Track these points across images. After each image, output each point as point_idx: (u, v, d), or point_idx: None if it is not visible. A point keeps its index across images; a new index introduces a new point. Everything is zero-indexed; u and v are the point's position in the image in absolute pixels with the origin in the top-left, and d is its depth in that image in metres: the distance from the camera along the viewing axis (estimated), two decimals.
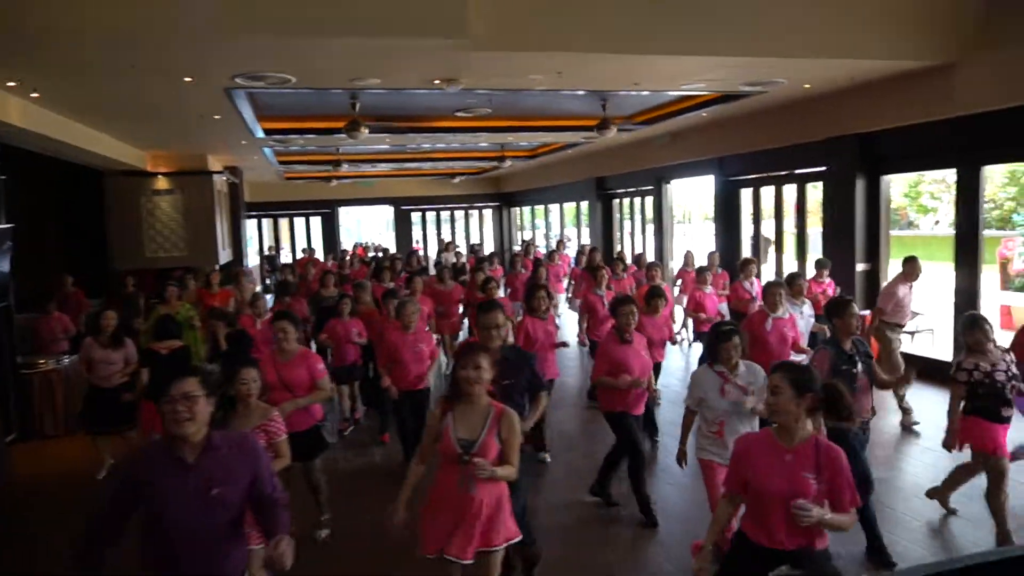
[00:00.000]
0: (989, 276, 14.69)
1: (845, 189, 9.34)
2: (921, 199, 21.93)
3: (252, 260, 22.67)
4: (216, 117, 8.73)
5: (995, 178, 19.15)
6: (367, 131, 8.82)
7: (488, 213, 24.98)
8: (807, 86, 8.53)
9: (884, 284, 9.28)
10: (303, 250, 20.98)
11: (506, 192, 23.68)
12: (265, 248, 22.28)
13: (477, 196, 24.22)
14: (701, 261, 10.19)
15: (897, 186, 23.99)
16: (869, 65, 7.62)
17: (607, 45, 6.46)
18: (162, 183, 12.79)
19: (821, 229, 10.14)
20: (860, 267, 9.32)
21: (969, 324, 4.49)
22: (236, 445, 2.52)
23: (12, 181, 8.37)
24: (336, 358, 7.23)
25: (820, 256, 8.95)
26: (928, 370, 7.36)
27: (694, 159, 12.62)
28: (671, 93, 9.09)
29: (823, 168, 9.81)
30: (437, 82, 7.13)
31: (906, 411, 6.88)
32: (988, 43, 7.13)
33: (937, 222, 21.13)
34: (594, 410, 6.86)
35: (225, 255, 14.29)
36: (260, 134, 10.32)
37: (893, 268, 9.54)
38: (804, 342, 6.19)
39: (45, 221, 12.37)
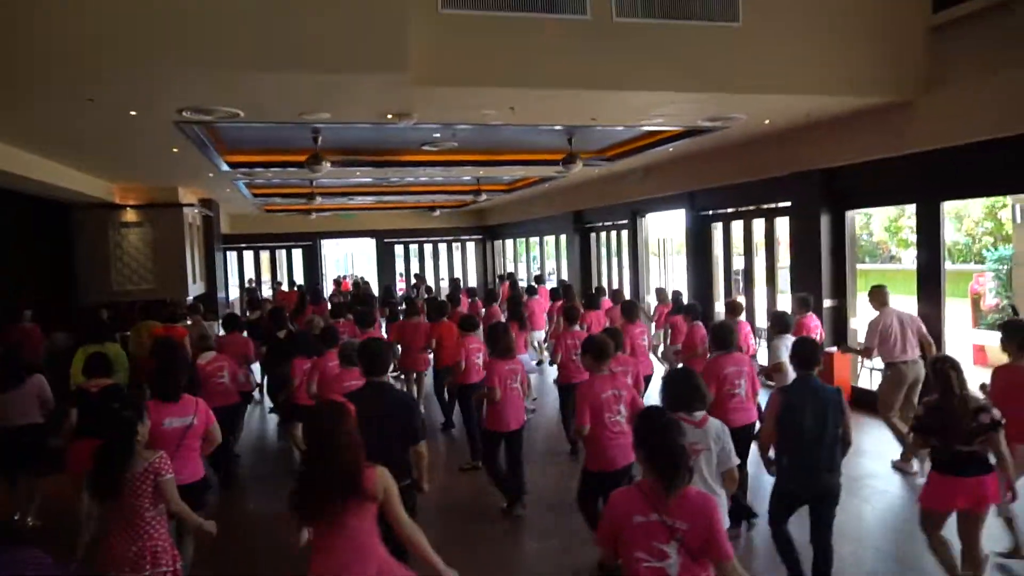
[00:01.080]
0: (960, 312, 14.68)
1: (810, 224, 9.29)
2: (902, 233, 21.99)
3: (233, 293, 22.61)
4: (174, 150, 8.66)
5: (973, 213, 19.25)
6: (328, 165, 8.77)
7: (471, 246, 24.95)
8: (767, 121, 8.53)
9: (851, 319, 9.24)
10: (274, 283, 20.87)
11: (489, 225, 23.68)
12: (246, 281, 22.10)
13: (462, 229, 24.22)
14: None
15: (878, 220, 24.10)
16: (826, 101, 7.63)
17: (560, 80, 6.43)
18: (131, 215, 12.69)
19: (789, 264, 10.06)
20: (827, 303, 9.23)
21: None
22: None
23: None
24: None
25: (791, 291, 8.83)
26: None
27: (666, 193, 12.61)
28: (642, 128, 9.08)
29: (788, 203, 9.78)
30: (390, 116, 7.09)
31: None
32: (941, 80, 7.15)
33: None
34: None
35: (197, 288, 14.14)
36: (225, 168, 10.27)
37: (861, 303, 9.48)
38: None
39: (10, 255, 12.27)
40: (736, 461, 3.66)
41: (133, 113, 6.50)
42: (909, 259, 21.95)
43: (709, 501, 2.76)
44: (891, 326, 6.67)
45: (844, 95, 7.40)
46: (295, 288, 18.26)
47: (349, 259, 27.57)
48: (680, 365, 6.21)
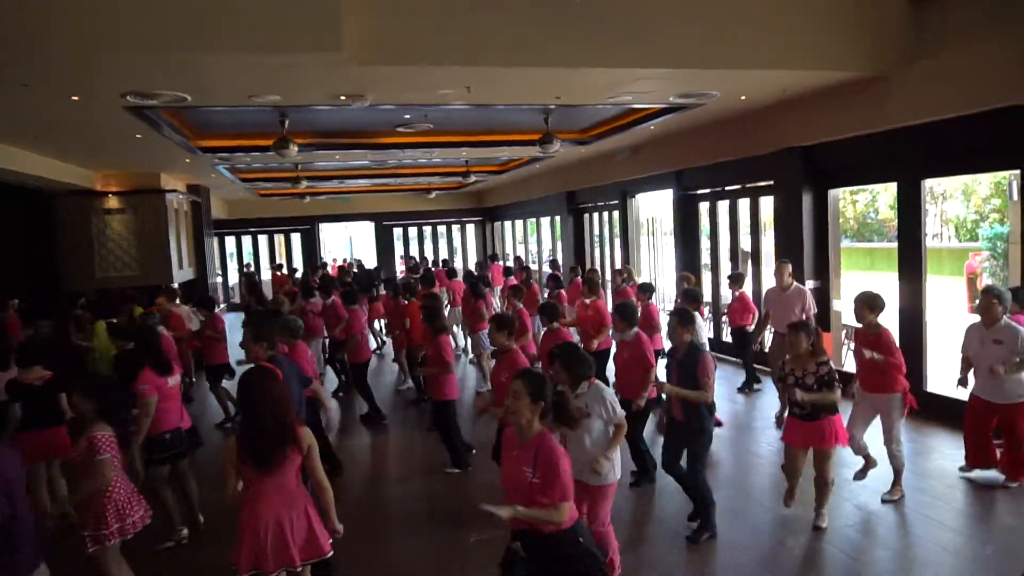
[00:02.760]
0: (957, 291, 14.26)
1: (791, 203, 8.99)
2: None
3: (232, 278, 22.66)
4: (138, 136, 8.52)
5: (981, 190, 18.67)
6: (295, 149, 8.54)
7: (471, 228, 24.75)
8: (743, 98, 8.22)
9: (834, 301, 8.97)
10: (273, 267, 20.85)
11: (488, 207, 23.45)
12: (243, 266, 22.10)
13: (461, 211, 24.02)
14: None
15: (885, 199, 23.54)
16: (802, 76, 7.31)
17: (515, 59, 6.18)
18: (113, 202, 12.63)
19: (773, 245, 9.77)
20: (809, 284, 8.94)
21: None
22: None
23: None
24: None
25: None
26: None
27: (654, 173, 12.31)
28: (625, 105, 8.77)
29: (771, 182, 9.48)
30: (343, 98, 6.89)
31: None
32: (919, 53, 6.81)
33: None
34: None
35: (184, 274, 14.11)
36: (197, 153, 10.13)
37: (845, 284, 9.21)
38: None
39: None
40: (622, 414, 4.17)
41: (75, 98, 6.36)
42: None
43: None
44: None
45: (819, 69, 7.08)
46: (281, 272, 18.49)
47: (349, 243, 27.43)
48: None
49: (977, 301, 5.89)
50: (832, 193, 8.87)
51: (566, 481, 3.07)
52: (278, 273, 18.93)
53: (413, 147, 11.28)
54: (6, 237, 12.43)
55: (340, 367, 10.12)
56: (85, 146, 9.67)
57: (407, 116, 9.20)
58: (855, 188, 20.39)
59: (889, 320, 8.04)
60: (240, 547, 3.31)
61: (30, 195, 11.92)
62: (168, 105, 6.83)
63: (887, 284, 7.90)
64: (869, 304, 5.43)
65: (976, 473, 5.74)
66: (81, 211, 12.42)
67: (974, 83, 6.32)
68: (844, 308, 8.68)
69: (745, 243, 10.77)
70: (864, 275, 8.66)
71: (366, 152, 11.55)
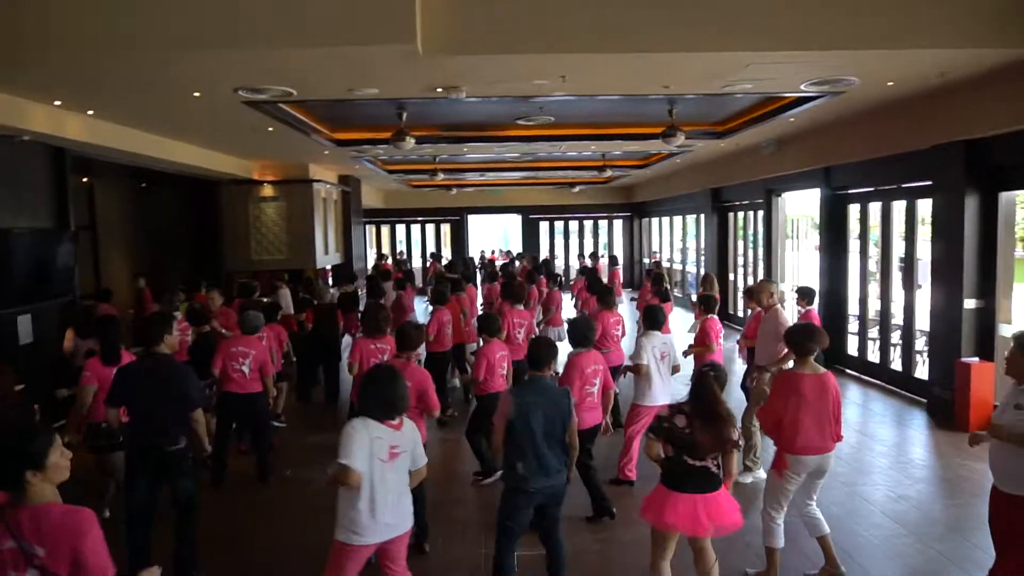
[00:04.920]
0: None
1: (952, 207, 7.70)
2: None
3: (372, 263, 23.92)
4: (270, 129, 9.10)
5: None
6: (412, 141, 8.76)
7: (619, 223, 24.16)
8: (890, 84, 7.13)
9: (1001, 326, 7.58)
10: (432, 254, 21.59)
11: (636, 202, 22.76)
12: (396, 253, 23.21)
13: (611, 206, 23.50)
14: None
15: None
16: (961, 56, 6.15)
17: (610, 44, 5.76)
18: (267, 191, 13.71)
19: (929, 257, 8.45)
20: (969, 304, 7.63)
21: None
22: None
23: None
24: None
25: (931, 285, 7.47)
26: None
27: (801, 169, 11.17)
28: (745, 95, 7.99)
29: (929, 183, 8.18)
30: (439, 91, 6.85)
31: None
32: None
33: None
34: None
35: (330, 258, 15.05)
36: (329, 144, 10.68)
37: (1018, 306, 7.77)
38: None
39: (169, 228, 13.93)
40: (424, 461, 3.57)
41: (197, 94, 6.86)
42: None
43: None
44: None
45: (983, 47, 5.89)
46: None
47: (498, 234, 27.86)
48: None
49: None
50: (1005, 196, 7.46)
51: None
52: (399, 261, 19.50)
53: (537, 140, 11.11)
54: (179, 221, 13.97)
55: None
56: (236, 140, 10.51)
57: (523, 109, 9.05)
58: None
59: None
60: None
61: (199, 185, 13.28)
62: (279, 99, 7.19)
63: None
64: None
65: None
66: (240, 198, 13.62)
67: None
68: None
69: (900, 250, 9.44)
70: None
71: (491, 145, 11.58)
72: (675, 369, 6.10)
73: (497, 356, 6.04)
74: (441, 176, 14.56)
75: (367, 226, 20.72)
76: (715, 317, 6.84)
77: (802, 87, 7.22)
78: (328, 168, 14.76)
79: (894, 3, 5.62)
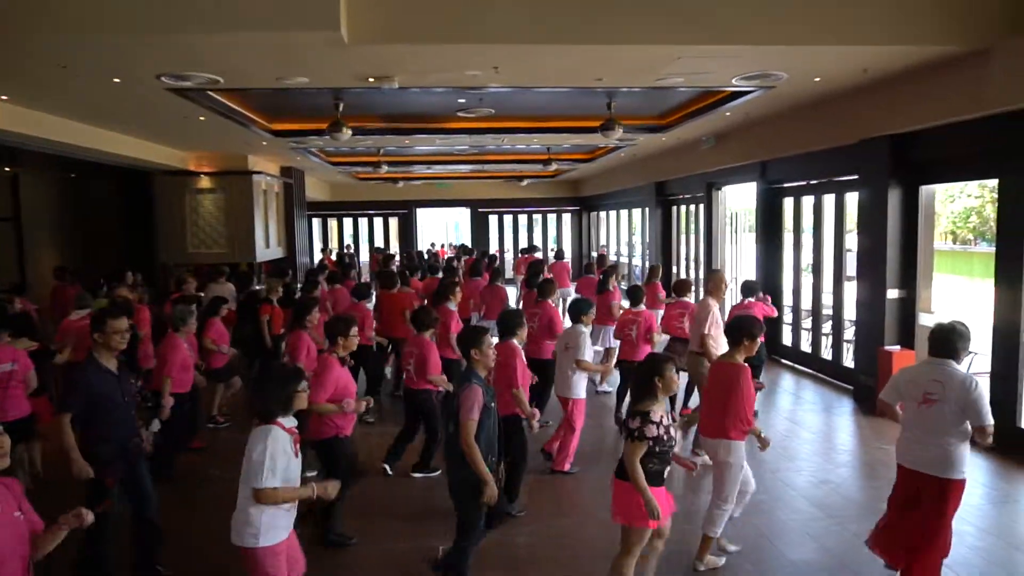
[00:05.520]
0: None
1: (876, 199, 7.95)
2: None
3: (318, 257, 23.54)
4: (201, 118, 8.83)
5: None
6: (349, 132, 8.61)
7: (567, 217, 24.29)
8: (816, 80, 7.31)
9: (921, 315, 7.86)
10: (372, 249, 21.37)
11: (583, 196, 22.90)
12: (343, 247, 22.86)
13: (559, 200, 23.58)
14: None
15: None
16: (884, 53, 6.33)
17: (541, 35, 5.74)
18: (204, 182, 13.33)
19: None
20: (891, 294, 7.90)
21: None
22: None
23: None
24: None
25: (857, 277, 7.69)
26: None
27: (739, 163, 11.39)
28: (676, 88, 8.07)
29: (856, 177, 8.43)
30: (371, 80, 6.74)
31: None
32: None
33: None
34: None
35: (271, 252, 14.72)
36: (267, 135, 10.42)
37: (937, 295, 8.08)
38: None
39: (104, 220, 13.43)
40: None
41: (116, 80, 6.61)
42: None
43: None
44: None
45: (905, 44, 6.07)
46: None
47: (445, 228, 27.73)
48: None
49: None
50: (925, 190, 7.74)
51: None
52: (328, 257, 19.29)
53: (479, 132, 11.05)
54: (111, 212, 13.48)
55: None
56: (167, 129, 10.16)
57: (462, 100, 8.99)
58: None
59: (981, 337, 6.99)
60: None
61: (133, 175, 12.84)
62: (206, 87, 6.98)
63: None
64: None
65: None
66: (176, 190, 13.20)
67: None
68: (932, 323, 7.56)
69: (831, 242, 9.71)
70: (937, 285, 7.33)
71: (434, 137, 11.47)
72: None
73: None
74: (386, 168, 14.39)
75: (312, 219, 20.36)
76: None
77: (734, 81, 7.35)
78: (269, 159, 14.43)
79: (819, 2, 5.74)
